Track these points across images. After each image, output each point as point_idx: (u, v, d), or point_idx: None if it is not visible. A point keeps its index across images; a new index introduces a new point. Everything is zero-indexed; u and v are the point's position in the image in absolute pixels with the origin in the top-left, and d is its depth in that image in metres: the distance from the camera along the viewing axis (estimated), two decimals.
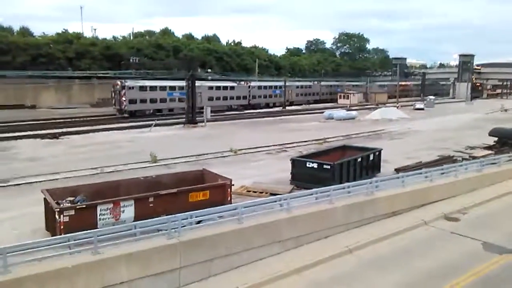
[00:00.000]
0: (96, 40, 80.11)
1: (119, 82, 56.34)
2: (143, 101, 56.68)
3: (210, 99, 64.11)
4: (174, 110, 58.72)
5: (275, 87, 77.79)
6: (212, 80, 69.91)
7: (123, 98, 55.15)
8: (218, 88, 67.65)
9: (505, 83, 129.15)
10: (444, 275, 12.89)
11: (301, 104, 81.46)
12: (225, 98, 68.27)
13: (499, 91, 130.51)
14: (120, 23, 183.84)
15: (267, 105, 74.73)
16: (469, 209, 19.01)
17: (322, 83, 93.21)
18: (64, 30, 79.61)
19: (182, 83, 58.43)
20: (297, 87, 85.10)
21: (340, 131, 43.01)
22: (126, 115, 54.96)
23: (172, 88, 60.12)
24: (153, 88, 58.01)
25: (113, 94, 57.82)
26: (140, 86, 56.85)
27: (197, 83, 61.19)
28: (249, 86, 73.05)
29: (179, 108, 57.47)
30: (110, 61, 72.86)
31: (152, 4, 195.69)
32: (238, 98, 70.56)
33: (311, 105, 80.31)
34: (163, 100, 58.98)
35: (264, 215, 14.32)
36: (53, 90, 67.72)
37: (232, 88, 70.17)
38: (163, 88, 59.00)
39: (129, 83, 56.14)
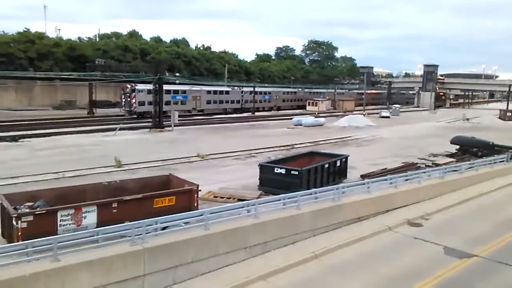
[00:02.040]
0: (60, 41, 77.86)
1: (129, 86, 59.18)
2: (150, 103, 57.29)
3: (208, 102, 70.19)
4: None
5: (265, 92, 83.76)
6: (180, 84, 69.56)
7: (133, 101, 58.59)
8: (215, 92, 72.35)
9: (466, 93, 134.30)
10: (407, 279, 13.12)
11: (288, 109, 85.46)
12: (221, 102, 72.84)
13: (461, 100, 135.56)
14: (85, 23, 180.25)
15: (257, 109, 78.53)
16: (432, 214, 19.50)
17: (306, 90, 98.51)
18: (26, 29, 76.94)
19: (184, 87, 67.79)
20: (284, 93, 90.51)
21: (308, 137, 43.45)
22: (135, 116, 58.07)
23: (176, 91, 64.80)
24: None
25: (122, 97, 60.84)
26: (148, 89, 57.97)
27: (197, 87, 69.29)
28: (242, 92, 78.02)
29: (181, 110, 61.86)
30: (74, 63, 71.01)
31: (119, 6, 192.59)
32: (232, 102, 75.38)
33: (280, 111, 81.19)
34: (167, 103, 60.21)
35: (231, 221, 14.18)
36: (13, 91, 65.28)
37: (227, 92, 75.11)
38: (168, 92, 60.63)
39: (139, 86, 58.87)
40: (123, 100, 60.59)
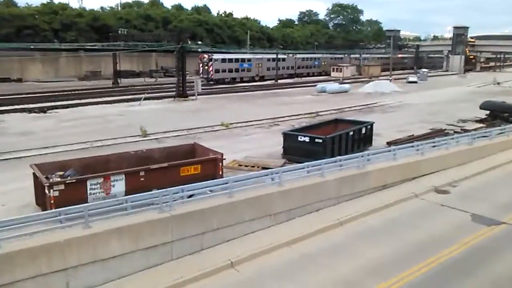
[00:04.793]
0: (83, 11, 78.16)
1: (206, 55, 66.09)
2: (224, 71, 67.21)
3: (268, 69, 75.51)
4: (243, 78, 70.19)
5: (315, 58, 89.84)
6: (203, 52, 69.41)
7: (210, 69, 65.59)
8: (273, 60, 76.16)
9: (498, 56, 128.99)
10: (433, 245, 13.08)
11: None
12: (278, 68, 76.23)
13: (492, 64, 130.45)
14: None
15: (308, 74, 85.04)
16: (460, 181, 19.19)
17: (352, 55, 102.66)
18: (49, 1, 77.39)
19: (249, 56, 74.92)
20: (331, 58, 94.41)
21: (333, 104, 42.89)
22: (212, 82, 64.81)
23: (243, 60, 71.75)
24: (230, 60, 68.80)
25: (200, 65, 67.83)
26: (222, 58, 67.06)
27: (259, 55, 75.79)
28: (295, 58, 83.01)
29: (247, 77, 70.90)
30: (97, 33, 71.45)
31: None
32: (287, 68, 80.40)
33: (303, 78, 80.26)
34: (236, 70, 69.59)
35: (256, 189, 14.31)
36: (40, 63, 66.32)
37: (283, 60, 79.15)
38: (236, 60, 69.95)
39: (215, 56, 66.29)
40: (201, 68, 67.27)
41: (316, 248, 12.95)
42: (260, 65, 74.25)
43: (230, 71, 68.41)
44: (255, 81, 71.24)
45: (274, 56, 77.14)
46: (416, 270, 11.68)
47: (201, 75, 66.44)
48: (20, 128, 29.45)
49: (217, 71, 66.03)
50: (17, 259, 9.77)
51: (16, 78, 61.94)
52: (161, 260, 11.70)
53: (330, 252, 12.72)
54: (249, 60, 73.05)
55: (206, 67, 66.04)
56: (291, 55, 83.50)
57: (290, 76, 79.68)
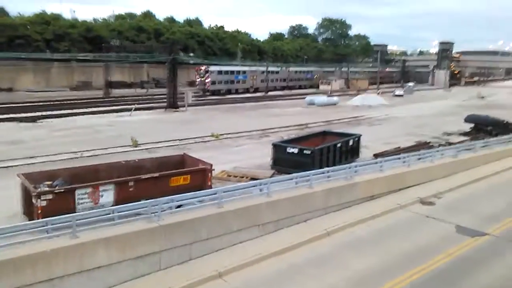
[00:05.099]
0: (76, 22, 78.23)
1: (203, 67, 68.35)
2: (219, 82, 69.97)
3: (262, 81, 78.21)
4: (238, 90, 72.62)
5: (308, 72, 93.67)
6: (196, 64, 70.28)
7: (207, 80, 67.75)
8: (268, 72, 79.49)
9: (482, 70, 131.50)
10: (419, 256, 13.26)
11: None
12: (272, 80, 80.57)
13: (476, 78, 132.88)
14: (99, 4, 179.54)
15: (300, 87, 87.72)
16: (444, 193, 19.48)
17: (344, 68, 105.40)
18: (41, 11, 77.41)
19: (244, 68, 77.45)
20: (324, 72, 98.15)
21: (321, 116, 43.30)
22: (208, 93, 67.23)
23: (238, 72, 74.44)
24: (226, 72, 71.47)
25: (196, 76, 70.06)
26: (218, 70, 69.74)
27: (253, 68, 78.28)
28: (288, 71, 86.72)
29: (241, 88, 73.49)
30: (90, 44, 71.49)
31: None
32: (281, 80, 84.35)
33: (292, 91, 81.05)
34: (232, 82, 72.24)
35: (244, 199, 14.42)
36: (31, 73, 66.03)
37: (277, 72, 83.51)
38: (232, 72, 72.64)
39: (211, 68, 68.77)
40: (198, 79, 69.53)
41: (304, 258, 13.05)
42: (254, 77, 76.91)
43: (226, 82, 70.89)
44: (250, 92, 72.97)
45: (269, 68, 78.63)
46: (402, 280, 11.85)
47: (198, 86, 68.94)
48: (10, 137, 29.28)
49: (213, 82, 68.46)
50: (2, 269, 9.69)
51: (7, 87, 61.51)
52: (149, 270, 11.71)
53: (317, 263, 12.83)
54: (244, 72, 75.58)
55: (203, 78, 68.32)
56: (284, 67, 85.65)
57: (284, 88, 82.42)
